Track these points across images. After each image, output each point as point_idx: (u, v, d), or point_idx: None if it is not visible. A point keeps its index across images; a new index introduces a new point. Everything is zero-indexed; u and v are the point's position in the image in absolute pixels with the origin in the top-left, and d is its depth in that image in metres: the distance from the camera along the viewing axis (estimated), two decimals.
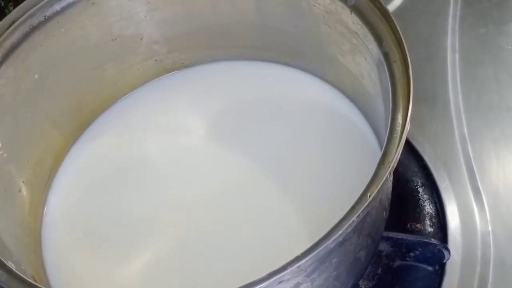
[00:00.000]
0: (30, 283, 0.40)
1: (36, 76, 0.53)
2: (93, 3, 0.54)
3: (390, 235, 0.49)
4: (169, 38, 0.61)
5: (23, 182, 0.53)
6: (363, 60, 0.50)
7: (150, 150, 0.58)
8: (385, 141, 0.40)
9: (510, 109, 0.60)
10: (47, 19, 0.52)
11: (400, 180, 0.55)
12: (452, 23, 0.67)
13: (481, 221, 0.53)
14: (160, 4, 0.57)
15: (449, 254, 0.50)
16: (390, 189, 0.49)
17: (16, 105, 0.53)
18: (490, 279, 0.50)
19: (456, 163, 0.57)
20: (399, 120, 0.40)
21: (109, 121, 0.62)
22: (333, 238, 0.36)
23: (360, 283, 0.50)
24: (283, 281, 0.35)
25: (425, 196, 0.55)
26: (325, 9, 0.51)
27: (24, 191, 0.53)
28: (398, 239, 0.49)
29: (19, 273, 0.40)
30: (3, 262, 0.41)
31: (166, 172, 0.56)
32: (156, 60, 0.63)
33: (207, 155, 0.57)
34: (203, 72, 0.64)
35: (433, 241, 0.49)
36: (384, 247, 0.50)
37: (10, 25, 0.51)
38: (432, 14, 0.69)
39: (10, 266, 0.41)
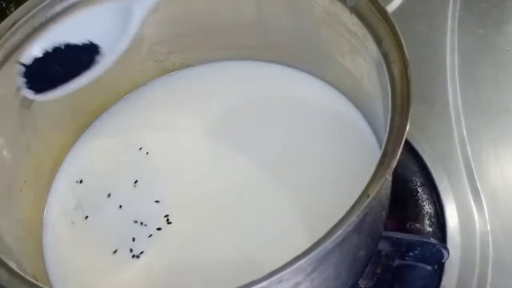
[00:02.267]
0: (31, 282, 0.40)
1: None
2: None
3: (390, 235, 0.50)
4: (170, 38, 0.61)
5: (24, 182, 0.53)
6: (363, 60, 0.50)
7: (150, 150, 0.59)
8: (385, 141, 0.40)
9: (508, 109, 0.60)
10: (48, 20, 0.52)
11: (400, 180, 0.55)
12: (451, 24, 0.67)
13: (480, 220, 0.53)
14: (161, 5, 0.57)
15: (448, 253, 0.50)
16: (389, 189, 0.49)
17: (17, 106, 0.53)
18: (489, 279, 0.50)
19: (455, 163, 0.57)
20: (399, 120, 0.41)
21: (110, 121, 0.62)
22: (333, 238, 0.36)
23: (359, 283, 0.50)
24: (283, 280, 0.36)
25: (424, 196, 0.55)
26: (325, 10, 0.51)
27: (25, 191, 0.53)
28: (397, 238, 0.50)
29: (20, 273, 0.40)
30: (4, 261, 0.41)
31: (166, 172, 0.57)
32: (156, 61, 0.63)
33: (207, 155, 0.57)
34: (203, 72, 0.64)
35: (432, 240, 0.49)
36: (383, 246, 0.50)
37: (11, 26, 0.51)
38: (431, 15, 0.69)
39: (11, 266, 0.41)
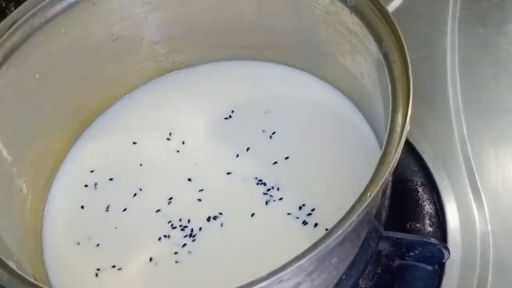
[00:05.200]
0: (31, 282, 0.40)
1: (37, 76, 0.54)
2: (93, 3, 0.54)
3: (390, 235, 0.49)
4: (170, 38, 0.61)
5: (24, 181, 0.53)
6: (363, 60, 0.50)
7: (150, 150, 0.59)
8: (385, 141, 0.40)
9: (509, 109, 0.60)
10: (48, 20, 0.52)
11: (400, 179, 0.55)
12: (451, 24, 0.67)
13: (481, 220, 0.53)
14: (161, 5, 0.57)
15: (449, 253, 0.50)
16: (389, 189, 0.49)
17: (17, 105, 0.53)
18: (490, 279, 0.50)
19: (456, 163, 0.57)
20: (399, 120, 0.41)
21: (110, 121, 0.62)
22: (333, 237, 0.36)
23: (360, 283, 0.50)
24: (283, 280, 0.36)
25: (425, 196, 0.55)
26: (325, 9, 0.51)
27: (25, 191, 0.53)
28: (397, 238, 0.50)
29: (20, 273, 0.40)
30: (4, 261, 0.41)
31: (166, 172, 0.57)
32: (156, 60, 0.63)
33: (207, 155, 0.57)
34: (203, 72, 0.64)
35: (433, 240, 0.49)
36: (383, 246, 0.50)
37: (11, 26, 0.51)
38: (431, 14, 0.69)
39: (11, 266, 0.41)
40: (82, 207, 0.55)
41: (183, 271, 0.50)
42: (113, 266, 0.51)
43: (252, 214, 0.52)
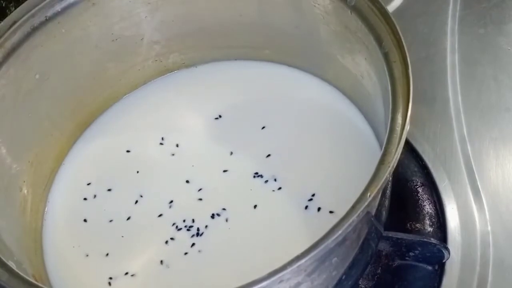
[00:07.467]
0: (31, 282, 0.40)
1: (37, 76, 0.54)
2: (93, 3, 0.54)
3: (390, 235, 0.50)
4: (170, 38, 0.61)
5: (24, 182, 0.53)
6: (363, 60, 0.50)
7: (150, 150, 0.58)
8: (385, 141, 0.40)
9: (509, 109, 0.60)
10: (48, 20, 0.52)
11: (400, 179, 0.55)
12: (451, 24, 0.67)
13: (481, 220, 0.53)
14: (161, 5, 0.58)
15: (449, 253, 0.50)
16: (390, 189, 0.49)
17: (17, 106, 0.53)
18: (490, 279, 0.50)
19: (456, 163, 0.57)
20: (399, 120, 0.41)
21: (109, 121, 0.62)
22: (333, 237, 0.36)
23: (360, 283, 0.50)
24: (283, 280, 0.36)
25: (425, 196, 0.55)
26: (325, 9, 0.51)
27: (25, 191, 0.53)
28: (397, 238, 0.50)
29: (20, 273, 0.41)
30: (4, 261, 0.41)
31: (166, 172, 0.57)
32: (156, 60, 0.63)
33: (207, 155, 0.57)
34: (203, 72, 0.64)
35: (433, 240, 0.49)
36: (383, 246, 0.50)
37: (11, 26, 0.51)
38: (431, 14, 0.69)
39: (11, 266, 0.41)
40: (81, 207, 0.55)
41: (195, 270, 0.50)
42: (126, 273, 0.51)
43: (255, 206, 0.52)
